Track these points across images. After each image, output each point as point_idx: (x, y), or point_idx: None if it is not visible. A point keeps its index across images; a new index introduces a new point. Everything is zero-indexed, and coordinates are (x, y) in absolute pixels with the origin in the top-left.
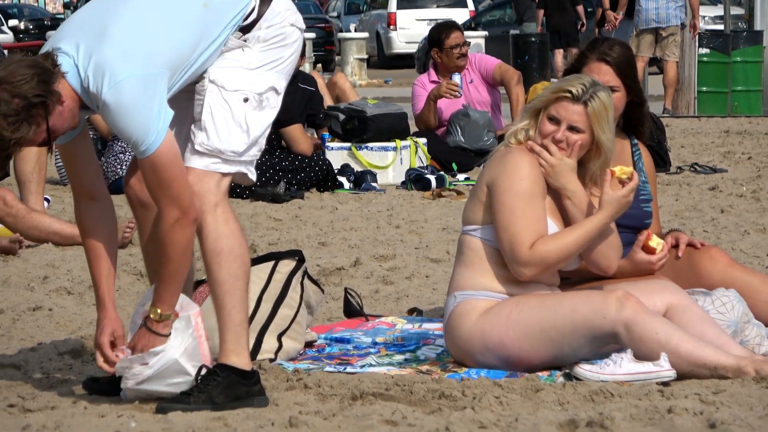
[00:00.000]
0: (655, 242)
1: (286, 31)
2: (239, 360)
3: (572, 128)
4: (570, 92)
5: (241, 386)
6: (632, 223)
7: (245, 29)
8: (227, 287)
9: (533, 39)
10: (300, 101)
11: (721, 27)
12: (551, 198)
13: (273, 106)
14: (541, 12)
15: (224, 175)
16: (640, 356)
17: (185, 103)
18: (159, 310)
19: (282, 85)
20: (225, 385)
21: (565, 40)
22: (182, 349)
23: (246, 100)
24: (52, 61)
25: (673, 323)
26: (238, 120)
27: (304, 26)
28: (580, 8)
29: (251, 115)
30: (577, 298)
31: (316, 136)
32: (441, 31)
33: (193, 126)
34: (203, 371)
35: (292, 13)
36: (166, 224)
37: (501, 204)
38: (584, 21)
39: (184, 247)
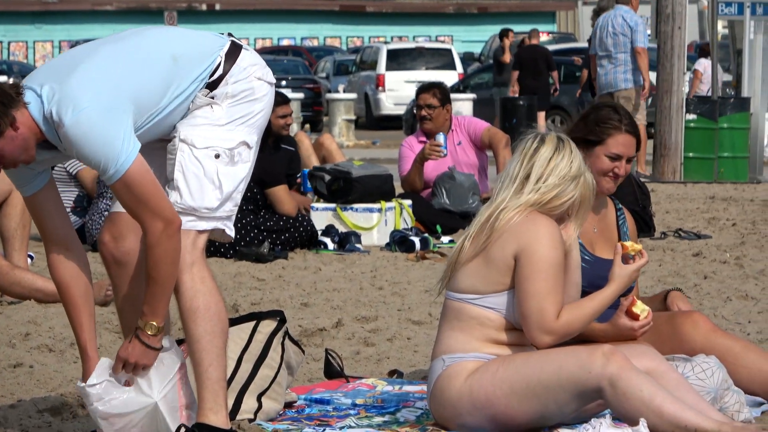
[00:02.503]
0: (639, 308)
1: (253, 86)
2: (217, 418)
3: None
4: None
5: None
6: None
7: (212, 85)
8: (204, 344)
9: (521, 102)
10: (283, 162)
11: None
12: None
13: (245, 160)
14: (516, 74)
15: (200, 232)
16: (622, 414)
17: (159, 162)
18: (154, 323)
19: (253, 139)
20: None
21: (539, 104)
22: (162, 394)
23: (217, 156)
24: (16, 90)
25: (657, 383)
26: (210, 176)
27: (273, 80)
28: (555, 73)
29: (223, 170)
30: (563, 354)
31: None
32: (416, 92)
33: (166, 186)
34: (182, 430)
35: (259, 68)
36: (153, 238)
37: (536, 272)
38: (557, 86)
39: (173, 257)
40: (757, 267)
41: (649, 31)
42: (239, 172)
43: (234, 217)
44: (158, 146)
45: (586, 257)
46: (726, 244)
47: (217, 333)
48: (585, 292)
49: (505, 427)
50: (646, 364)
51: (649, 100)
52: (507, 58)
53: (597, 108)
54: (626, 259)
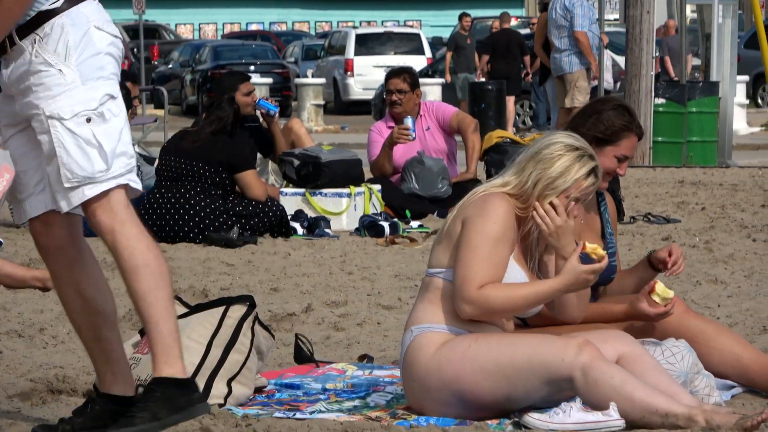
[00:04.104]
0: (658, 297)
1: (92, 36)
2: (172, 370)
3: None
4: (591, 180)
5: (181, 396)
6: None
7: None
8: (150, 300)
9: (490, 87)
10: (248, 143)
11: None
12: (521, 250)
13: (117, 112)
14: (486, 58)
15: (109, 194)
16: (592, 402)
17: (32, 148)
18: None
19: (115, 89)
20: (165, 399)
21: (510, 88)
22: None
23: (89, 120)
24: None
25: (627, 371)
26: (90, 142)
27: (116, 32)
28: (527, 58)
29: (99, 131)
30: (537, 340)
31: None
32: (386, 77)
33: (49, 168)
34: (139, 390)
35: (98, 18)
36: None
37: (467, 240)
38: (530, 71)
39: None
40: (726, 251)
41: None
42: (115, 126)
43: (135, 170)
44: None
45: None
46: (695, 228)
47: (161, 287)
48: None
49: (471, 406)
50: (620, 348)
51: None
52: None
53: (611, 106)
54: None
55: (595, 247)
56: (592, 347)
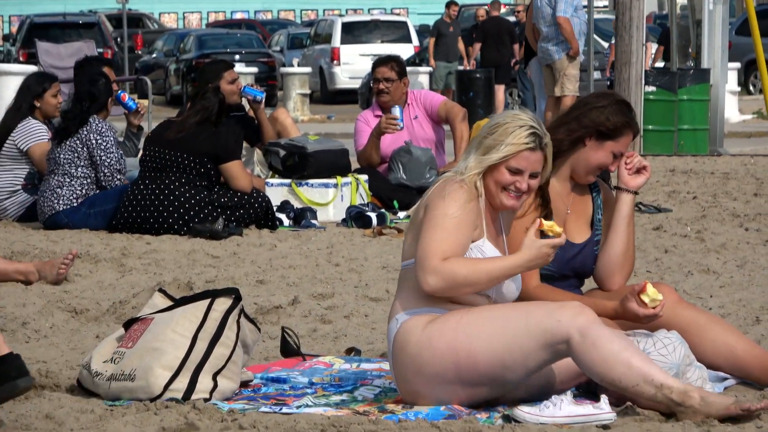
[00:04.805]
0: (648, 297)
1: None
2: None
3: (532, 175)
4: (531, 145)
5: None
6: (579, 268)
7: None
8: None
9: (478, 75)
10: (234, 133)
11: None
12: (493, 237)
13: None
14: (478, 46)
15: None
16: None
17: None
18: None
19: None
20: None
21: (499, 77)
22: None
23: None
24: None
25: (627, 338)
26: None
27: None
28: (517, 46)
29: None
30: (532, 305)
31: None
32: (373, 65)
33: None
34: None
35: None
36: None
37: (428, 220)
38: (518, 59)
39: None
40: (718, 240)
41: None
42: None
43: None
44: None
45: None
46: (687, 218)
47: None
48: (551, 278)
49: (467, 378)
50: None
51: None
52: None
53: (614, 100)
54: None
55: (551, 225)
56: (589, 311)
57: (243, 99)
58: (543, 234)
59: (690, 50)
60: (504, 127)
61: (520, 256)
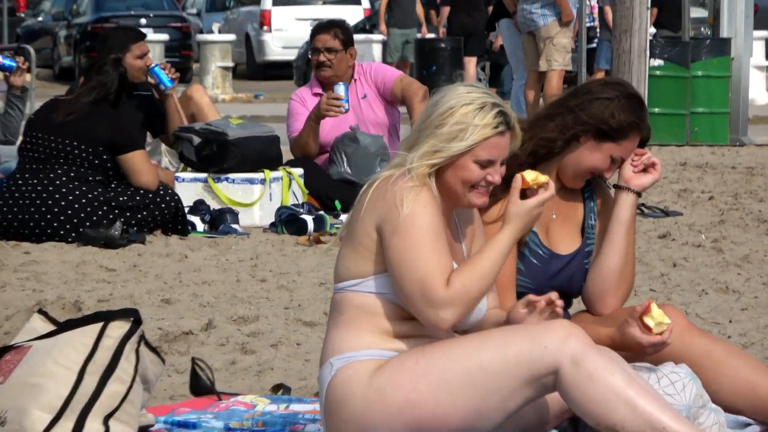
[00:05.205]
0: (654, 320)
1: None
2: None
3: (502, 162)
4: (501, 128)
5: None
6: (565, 285)
7: None
8: None
9: (443, 45)
10: (137, 117)
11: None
12: (450, 246)
13: None
14: (446, 10)
15: None
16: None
17: None
18: None
19: None
20: None
21: (470, 47)
22: None
23: None
24: None
25: (629, 370)
26: None
27: None
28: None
29: None
30: (508, 332)
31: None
32: (312, 32)
33: None
34: None
35: None
36: None
37: (403, 241)
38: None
39: None
40: (739, 252)
41: None
42: None
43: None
44: None
45: (539, 251)
46: (701, 223)
47: None
48: (528, 292)
49: None
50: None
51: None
52: None
53: (625, 93)
54: (531, 194)
55: (534, 177)
56: (581, 332)
57: (149, 78)
58: (524, 194)
59: (707, 16)
60: (461, 111)
61: (509, 228)
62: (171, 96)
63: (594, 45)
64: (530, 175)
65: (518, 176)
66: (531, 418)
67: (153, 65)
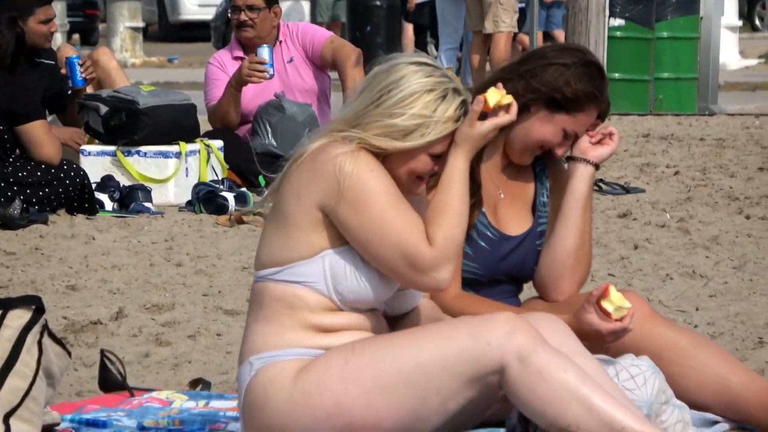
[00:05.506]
0: (612, 304)
1: None
2: None
3: None
4: (461, 121)
5: None
6: (516, 269)
7: None
8: None
9: (378, 3)
10: (38, 84)
11: None
12: None
13: None
14: None
15: None
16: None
17: None
18: None
19: None
20: None
21: (404, 10)
22: None
23: None
24: None
25: (581, 368)
26: None
27: None
28: None
29: None
30: (447, 327)
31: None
32: None
33: None
34: None
35: None
36: None
37: (362, 215)
38: None
39: None
40: (708, 232)
41: None
42: None
43: None
44: None
45: (488, 233)
46: (665, 201)
47: None
48: (477, 282)
49: None
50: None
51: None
52: None
53: (582, 60)
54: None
55: (499, 99)
56: (527, 326)
57: (65, 45)
58: (485, 117)
59: None
60: (423, 100)
61: (463, 154)
62: (78, 93)
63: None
64: (494, 97)
65: (480, 97)
66: (470, 409)
67: (73, 56)
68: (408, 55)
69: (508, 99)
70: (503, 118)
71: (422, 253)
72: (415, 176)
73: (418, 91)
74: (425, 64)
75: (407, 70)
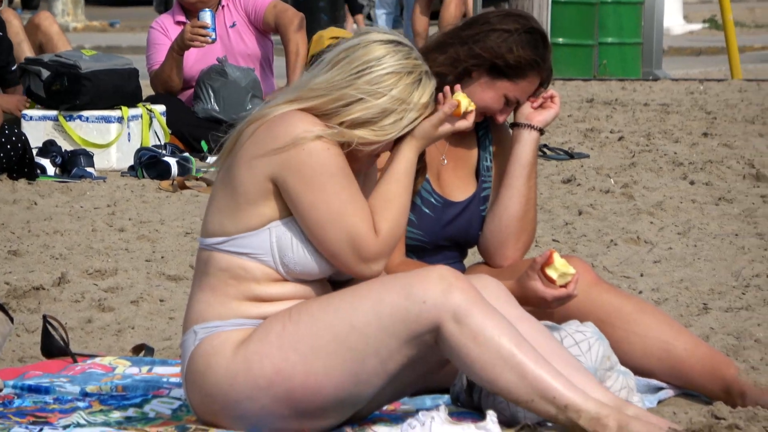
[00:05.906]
0: (557, 271)
1: None
2: None
3: None
4: (433, 105)
5: None
6: (461, 235)
7: None
8: None
9: None
10: None
11: None
12: None
13: None
14: None
15: None
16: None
17: None
18: None
19: None
20: None
21: None
22: None
23: None
24: None
25: (519, 331)
26: None
27: None
28: None
29: None
30: (381, 286)
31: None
32: None
33: None
34: None
35: None
36: None
37: (316, 193)
38: None
39: None
40: (652, 198)
41: None
42: None
43: None
44: None
45: (431, 199)
46: (609, 166)
47: None
48: (422, 249)
49: (306, 408)
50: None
51: None
52: None
53: (525, 26)
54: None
55: (467, 104)
56: (464, 282)
57: (5, 9)
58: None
59: None
60: (401, 80)
61: (415, 149)
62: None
63: None
64: (464, 102)
65: (454, 101)
66: (420, 368)
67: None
68: (382, 31)
69: (472, 106)
70: (463, 124)
71: (369, 242)
72: (373, 155)
73: (398, 72)
74: (401, 43)
75: (386, 49)
